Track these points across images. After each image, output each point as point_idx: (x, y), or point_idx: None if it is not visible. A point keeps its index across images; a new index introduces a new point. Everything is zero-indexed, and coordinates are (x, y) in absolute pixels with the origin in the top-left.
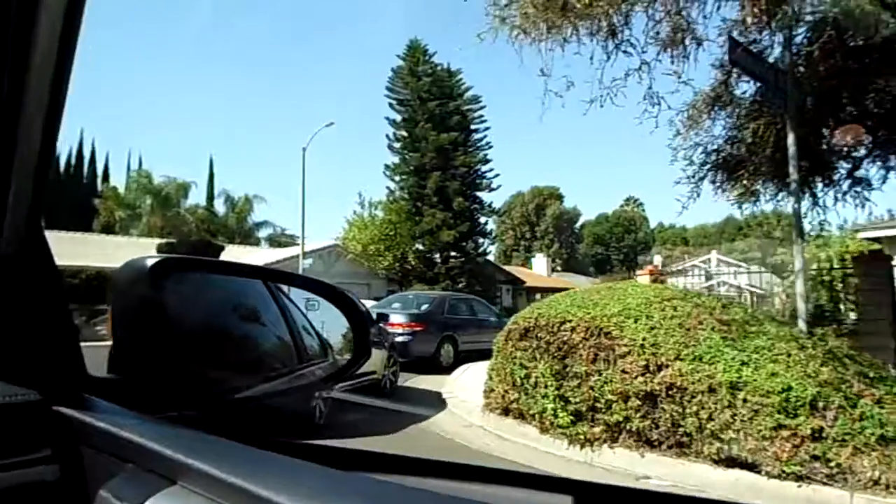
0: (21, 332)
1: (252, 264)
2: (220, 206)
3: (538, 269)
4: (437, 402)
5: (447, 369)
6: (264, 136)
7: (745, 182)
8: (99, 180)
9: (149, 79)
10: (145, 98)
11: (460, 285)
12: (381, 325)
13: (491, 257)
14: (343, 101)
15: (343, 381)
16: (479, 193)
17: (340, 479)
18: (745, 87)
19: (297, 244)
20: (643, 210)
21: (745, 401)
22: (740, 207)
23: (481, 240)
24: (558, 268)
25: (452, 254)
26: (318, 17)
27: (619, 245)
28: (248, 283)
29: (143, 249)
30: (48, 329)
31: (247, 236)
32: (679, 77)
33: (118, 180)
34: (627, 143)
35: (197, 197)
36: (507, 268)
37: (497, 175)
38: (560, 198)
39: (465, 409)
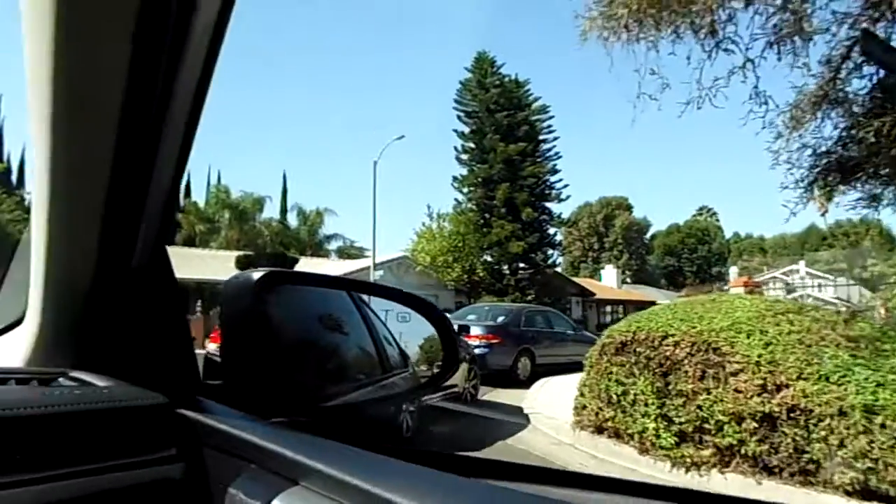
0: (147, 339)
1: (344, 276)
2: (292, 220)
3: (607, 281)
4: (520, 417)
5: (524, 383)
6: (335, 150)
7: (863, 185)
8: (181, 195)
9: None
10: (222, 115)
11: (529, 297)
12: (461, 336)
13: (559, 269)
14: (412, 115)
15: (432, 391)
16: (547, 204)
17: (460, 484)
18: (859, 84)
19: (366, 256)
20: (717, 220)
21: (883, 426)
22: (845, 212)
23: (550, 251)
24: (628, 280)
25: (521, 265)
26: (388, 30)
27: (691, 256)
28: (335, 295)
29: (221, 262)
30: (170, 337)
31: (318, 248)
32: (808, 70)
33: (198, 195)
34: (701, 149)
35: (270, 211)
36: (575, 279)
37: (566, 185)
38: (629, 208)
39: (552, 427)
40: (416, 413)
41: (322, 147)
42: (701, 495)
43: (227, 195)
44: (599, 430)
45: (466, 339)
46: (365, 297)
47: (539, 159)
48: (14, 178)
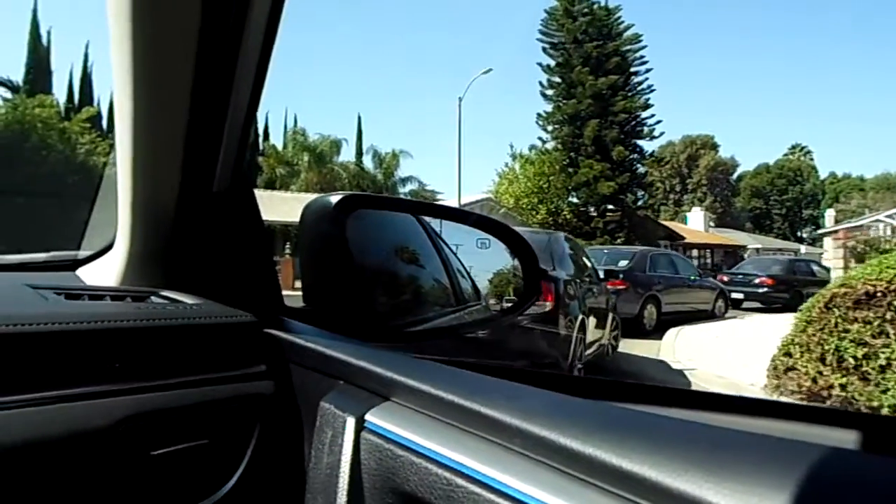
0: (231, 261)
1: (426, 202)
2: (367, 162)
3: (693, 224)
4: (669, 372)
5: (651, 333)
6: (409, 91)
7: None
8: (260, 139)
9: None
10: (295, 56)
11: (619, 241)
12: (604, 283)
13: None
14: (491, 50)
15: (512, 318)
16: (639, 142)
17: (566, 401)
18: None
19: (438, 200)
20: (811, 159)
21: None
22: None
23: (640, 192)
24: (712, 223)
25: (609, 207)
26: None
27: (780, 199)
28: (410, 224)
29: (302, 204)
30: (253, 258)
31: (393, 191)
32: None
33: (276, 139)
34: (796, 81)
35: (346, 154)
36: (664, 223)
37: (659, 122)
38: (715, 147)
39: (730, 388)
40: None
41: (396, 88)
42: (880, 421)
43: (304, 138)
44: (814, 396)
45: (609, 285)
46: (437, 228)
47: (630, 93)
48: (104, 123)
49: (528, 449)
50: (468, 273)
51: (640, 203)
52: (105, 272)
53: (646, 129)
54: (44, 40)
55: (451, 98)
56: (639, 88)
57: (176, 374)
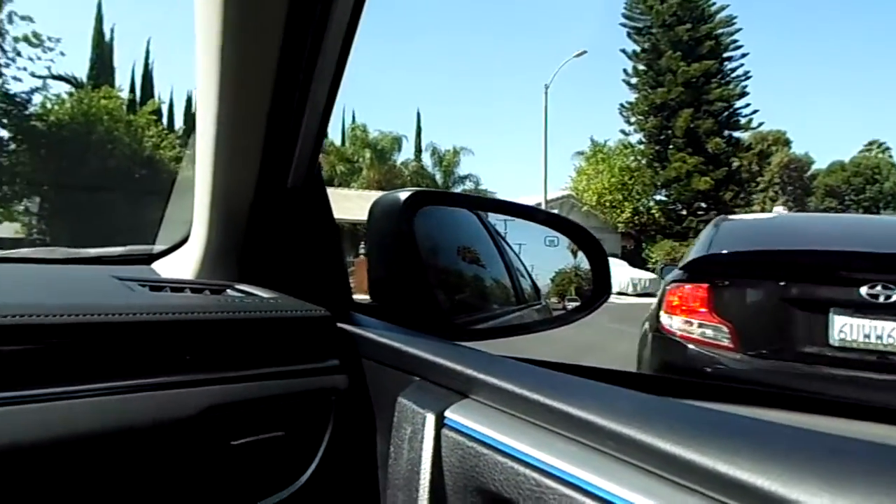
0: (304, 256)
1: (494, 198)
2: (426, 159)
3: None
4: None
5: None
6: (470, 87)
7: None
8: None
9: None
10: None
11: None
12: None
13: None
14: (563, 36)
15: (581, 317)
16: (735, 134)
17: (659, 402)
18: None
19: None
20: (890, 156)
21: None
22: None
23: (736, 188)
24: None
25: (700, 204)
26: None
27: (857, 198)
28: (473, 222)
29: (366, 201)
30: (324, 253)
31: (452, 189)
32: None
33: (333, 135)
34: (875, 73)
35: (406, 151)
36: None
37: (756, 111)
38: (787, 143)
39: None
40: None
41: (456, 83)
42: None
43: (365, 134)
44: None
45: None
46: (499, 227)
47: (724, 80)
48: (164, 119)
49: (621, 451)
50: (529, 272)
51: (741, 200)
52: (180, 266)
53: (742, 119)
54: (107, 37)
55: (514, 93)
56: (733, 75)
57: (254, 366)
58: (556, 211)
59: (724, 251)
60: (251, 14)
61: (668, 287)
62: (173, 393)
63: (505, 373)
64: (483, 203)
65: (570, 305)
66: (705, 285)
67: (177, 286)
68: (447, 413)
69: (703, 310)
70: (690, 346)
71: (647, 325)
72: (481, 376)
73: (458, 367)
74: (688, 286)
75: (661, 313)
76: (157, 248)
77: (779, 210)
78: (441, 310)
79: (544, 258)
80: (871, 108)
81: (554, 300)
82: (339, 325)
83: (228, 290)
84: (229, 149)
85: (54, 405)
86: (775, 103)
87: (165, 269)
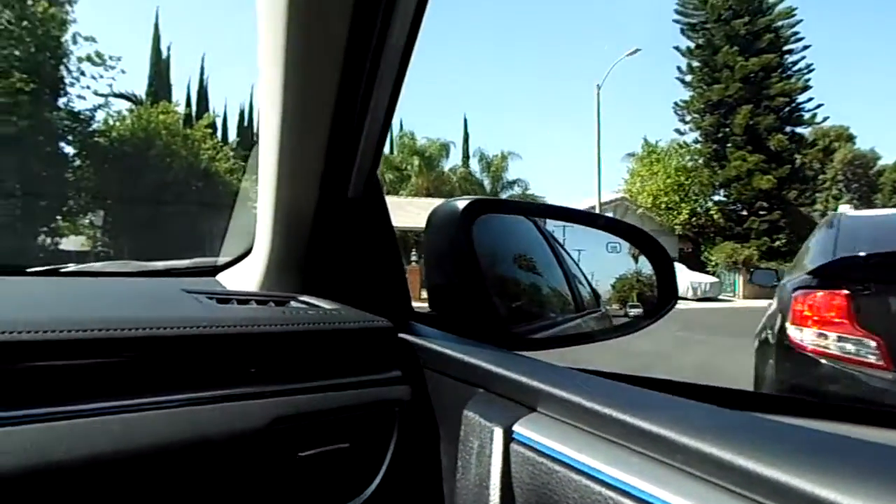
0: (365, 267)
1: (552, 205)
2: (473, 166)
3: None
4: None
5: None
6: (517, 89)
7: None
8: None
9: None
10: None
11: (777, 243)
12: None
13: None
14: (617, 35)
15: (649, 324)
16: (798, 130)
17: (733, 416)
18: None
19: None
20: None
21: None
22: None
23: (802, 187)
24: None
25: (759, 203)
26: None
27: None
28: (531, 230)
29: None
30: (385, 264)
31: (500, 195)
32: None
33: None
34: None
35: (453, 157)
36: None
37: (820, 105)
38: (851, 139)
39: None
40: None
41: (503, 88)
42: None
43: (413, 141)
44: None
45: None
46: (558, 233)
47: (785, 74)
48: (219, 132)
49: (698, 468)
50: (587, 279)
51: (806, 199)
52: (244, 278)
53: (805, 114)
54: (164, 55)
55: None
56: (795, 68)
57: (319, 377)
58: (610, 214)
59: (862, 253)
60: (314, 28)
61: (794, 295)
62: (241, 405)
63: (574, 386)
64: (541, 210)
65: (633, 312)
66: (844, 293)
67: (242, 298)
68: (516, 427)
69: (842, 321)
70: (825, 361)
71: (765, 337)
72: (549, 389)
73: (525, 380)
74: (820, 294)
75: (788, 325)
76: (222, 259)
77: (844, 209)
78: (500, 319)
79: (604, 264)
80: None
81: (615, 307)
82: (401, 335)
83: (292, 302)
84: (291, 161)
85: (130, 416)
86: (839, 98)
87: (231, 280)
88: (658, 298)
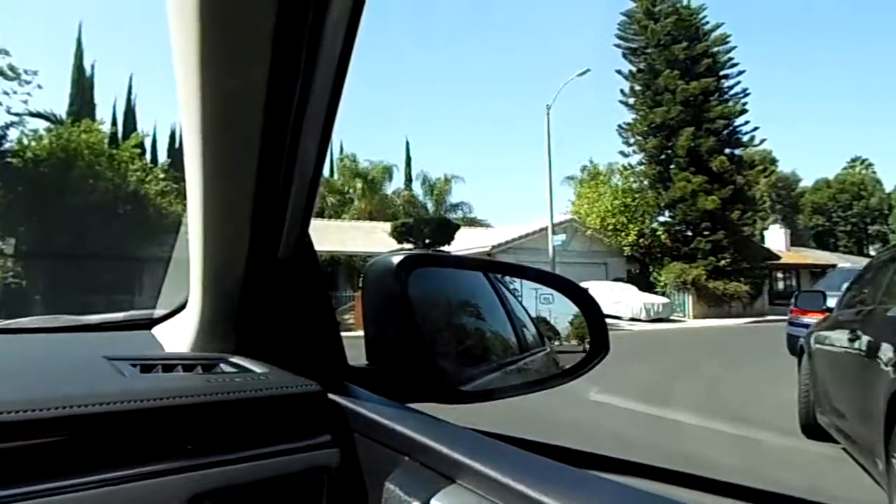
0: (297, 327)
1: (483, 258)
2: (416, 188)
3: (772, 244)
4: None
5: None
6: (457, 112)
7: None
8: None
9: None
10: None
11: (722, 262)
12: None
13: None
14: (555, 62)
15: (578, 377)
16: (737, 151)
17: (643, 497)
18: None
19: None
20: (874, 172)
21: None
22: None
23: (743, 207)
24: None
25: (705, 224)
26: None
27: (844, 215)
28: (471, 275)
29: (364, 234)
30: (318, 324)
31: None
32: None
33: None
34: (854, 91)
35: (397, 180)
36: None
37: (756, 128)
38: (774, 162)
39: None
40: None
41: (443, 109)
42: None
43: (355, 164)
44: None
45: None
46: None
47: (723, 98)
48: (148, 156)
49: None
50: (532, 319)
51: (747, 219)
52: (178, 334)
53: (743, 136)
54: (87, 72)
55: (504, 117)
56: (732, 92)
57: (245, 448)
58: (562, 235)
59: None
60: (232, 75)
61: None
62: (162, 481)
63: (489, 458)
64: (476, 264)
65: (567, 367)
66: None
67: (168, 363)
68: (433, 501)
69: None
70: None
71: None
72: (467, 461)
73: (445, 451)
74: None
75: None
76: (159, 311)
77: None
78: (437, 370)
79: (565, 302)
80: (854, 124)
81: (574, 342)
82: (331, 396)
83: (221, 364)
84: (219, 222)
85: (42, 502)
86: (758, 122)
87: (165, 335)
88: (590, 348)
